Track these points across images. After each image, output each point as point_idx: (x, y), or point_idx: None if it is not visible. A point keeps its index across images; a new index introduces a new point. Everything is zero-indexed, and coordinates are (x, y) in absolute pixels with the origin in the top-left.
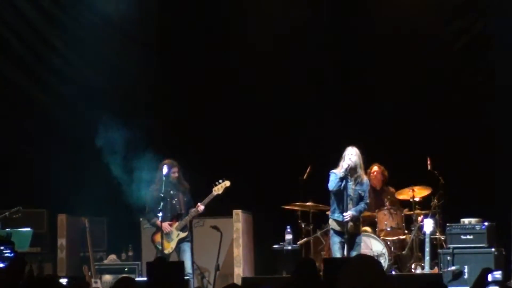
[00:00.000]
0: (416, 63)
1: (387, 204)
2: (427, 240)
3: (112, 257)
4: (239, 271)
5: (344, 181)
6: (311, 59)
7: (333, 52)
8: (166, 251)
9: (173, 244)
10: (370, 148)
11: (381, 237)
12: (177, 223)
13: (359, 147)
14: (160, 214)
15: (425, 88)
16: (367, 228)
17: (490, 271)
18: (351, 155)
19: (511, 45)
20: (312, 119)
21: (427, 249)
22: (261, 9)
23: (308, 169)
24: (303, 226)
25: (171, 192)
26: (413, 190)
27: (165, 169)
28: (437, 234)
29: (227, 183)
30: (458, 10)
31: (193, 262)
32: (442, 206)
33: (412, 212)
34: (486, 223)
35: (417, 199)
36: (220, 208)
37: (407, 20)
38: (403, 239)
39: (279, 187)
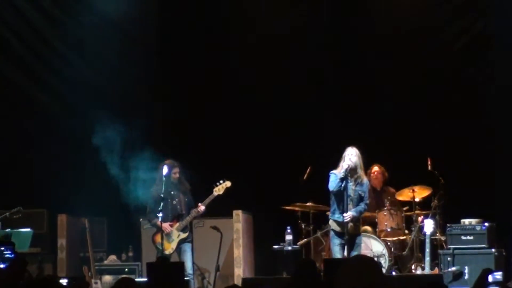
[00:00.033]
0: (416, 63)
1: (387, 204)
2: (427, 240)
3: (112, 257)
4: (239, 272)
5: (344, 181)
6: (311, 59)
7: (333, 52)
8: (166, 252)
9: (173, 245)
10: (370, 148)
11: (381, 238)
12: (177, 224)
13: (359, 147)
14: (160, 215)
15: (425, 88)
16: (368, 228)
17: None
18: (351, 156)
19: (511, 45)
20: (312, 119)
21: (427, 250)
22: (261, 9)
23: (308, 170)
24: (303, 226)
25: (172, 192)
26: (413, 191)
27: (165, 170)
28: (437, 234)
29: (228, 184)
30: (458, 10)
31: (193, 263)
32: (443, 207)
33: (412, 212)
34: (486, 224)
35: (417, 199)
36: (220, 208)
37: (407, 20)
38: (404, 240)
39: (279, 188)
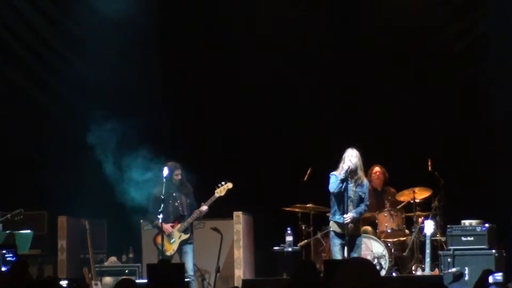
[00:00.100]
0: (416, 63)
1: (388, 205)
2: (427, 241)
3: (113, 259)
4: (240, 273)
5: (345, 183)
6: (311, 59)
7: (333, 52)
8: (168, 253)
9: (175, 246)
10: (370, 148)
11: (382, 239)
12: (179, 225)
13: (359, 148)
14: (160, 216)
15: (425, 88)
16: (368, 228)
17: (491, 272)
18: (351, 157)
19: (511, 45)
20: (312, 119)
21: (427, 251)
22: (261, 9)
23: (308, 171)
24: (303, 227)
25: (174, 194)
26: (413, 192)
27: (166, 171)
28: (437, 235)
29: (230, 185)
30: (458, 10)
31: (194, 264)
32: (443, 208)
33: (412, 213)
34: (486, 225)
35: (417, 200)
36: (221, 210)
37: (407, 20)
38: (404, 241)
39: (279, 189)
